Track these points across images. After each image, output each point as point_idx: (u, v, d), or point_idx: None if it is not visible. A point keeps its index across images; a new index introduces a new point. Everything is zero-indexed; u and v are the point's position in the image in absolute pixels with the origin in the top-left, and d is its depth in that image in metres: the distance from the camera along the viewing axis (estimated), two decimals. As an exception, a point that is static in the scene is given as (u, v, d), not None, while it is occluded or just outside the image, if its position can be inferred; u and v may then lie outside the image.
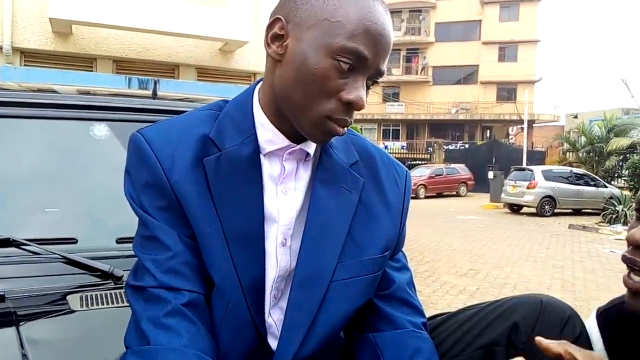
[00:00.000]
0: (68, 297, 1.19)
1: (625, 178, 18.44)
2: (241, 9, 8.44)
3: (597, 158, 20.05)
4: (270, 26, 0.84)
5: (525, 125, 23.13)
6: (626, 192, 14.73)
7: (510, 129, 35.62)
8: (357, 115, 0.87)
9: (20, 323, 1.07)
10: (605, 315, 1.03)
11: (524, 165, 18.85)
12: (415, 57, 37.24)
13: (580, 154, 20.85)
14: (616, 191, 15.19)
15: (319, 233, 0.89)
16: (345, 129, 0.86)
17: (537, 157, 25.59)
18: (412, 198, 1.06)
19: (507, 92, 36.05)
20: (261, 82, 0.92)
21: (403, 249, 1.05)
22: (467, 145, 30.63)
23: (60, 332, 1.12)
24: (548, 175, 15.99)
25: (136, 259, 0.87)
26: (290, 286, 0.88)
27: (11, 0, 7.56)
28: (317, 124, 0.82)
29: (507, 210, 16.94)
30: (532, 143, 28.54)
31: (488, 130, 36.76)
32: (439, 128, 36.61)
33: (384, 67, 0.84)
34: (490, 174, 18.97)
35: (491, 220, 14.12)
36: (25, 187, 1.44)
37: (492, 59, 35.62)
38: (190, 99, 2.00)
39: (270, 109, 0.88)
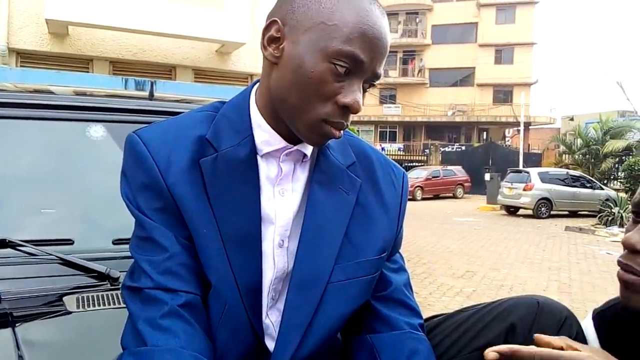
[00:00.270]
0: (64, 299, 1.19)
1: (621, 180, 18.48)
2: (238, 11, 8.43)
3: (593, 160, 20.12)
4: (266, 28, 0.84)
5: (521, 128, 23.20)
6: (622, 194, 14.79)
7: (507, 131, 35.68)
8: (353, 117, 0.87)
9: (17, 324, 1.06)
10: (602, 316, 1.03)
11: (521, 168, 18.88)
12: (412, 59, 37.29)
13: (577, 156, 20.92)
14: (612, 193, 15.26)
15: (316, 234, 0.88)
16: (342, 131, 0.85)
17: (534, 159, 25.64)
18: (409, 200, 1.06)
19: (503, 94, 36.13)
20: (258, 84, 0.92)
21: (400, 251, 1.05)
22: (463, 147, 30.65)
23: (56, 333, 1.11)
24: (544, 178, 16.04)
25: (132, 260, 0.87)
26: (288, 288, 0.88)
27: (7, 1, 7.54)
28: (313, 127, 0.82)
29: (503, 212, 16.98)
30: (529, 145, 28.60)
31: (484, 133, 36.82)
32: (436, 130, 36.67)
33: (381, 70, 0.84)
34: (487, 176, 19.03)
35: (488, 222, 14.14)
36: (22, 188, 1.44)
37: (489, 62, 35.72)
38: (187, 100, 2.00)
39: (267, 111, 0.88)
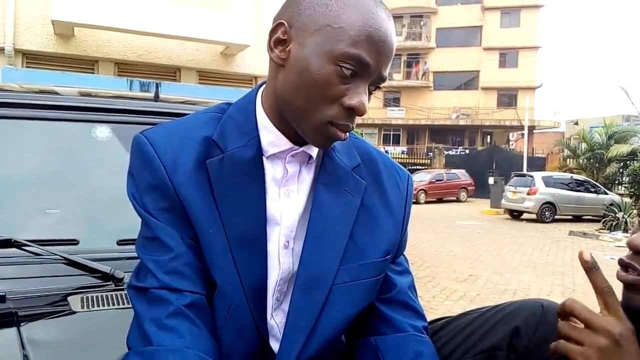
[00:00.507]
0: (69, 298, 1.19)
1: (626, 185, 18.43)
2: (243, 13, 8.45)
3: (597, 165, 20.06)
4: (273, 31, 0.84)
5: (525, 131, 23.16)
6: (626, 199, 14.74)
7: (511, 134, 35.69)
8: (358, 120, 0.87)
9: (21, 324, 1.07)
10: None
11: (525, 172, 18.87)
12: (416, 62, 37.33)
13: (581, 161, 20.87)
14: (617, 198, 15.20)
15: (321, 236, 0.89)
16: (347, 134, 0.86)
17: (538, 163, 25.60)
18: (413, 203, 1.06)
19: (507, 98, 36.12)
20: (264, 86, 0.92)
21: (404, 253, 1.05)
22: (467, 151, 30.64)
23: (61, 333, 1.12)
24: (548, 182, 16.00)
25: (138, 260, 0.87)
26: (293, 289, 0.88)
27: (14, 2, 7.59)
28: (319, 129, 0.83)
29: (507, 216, 16.93)
30: (533, 149, 28.53)
31: (488, 136, 36.80)
32: (440, 133, 36.65)
33: (386, 72, 0.84)
34: (491, 180, 18.98)
35: (491, 226, 14.11)
36: (27, 188, 1.44)
37: (493, 65, 35.71)
38: (191, 101, 2.00)
39: (272, 112, 0.88)
